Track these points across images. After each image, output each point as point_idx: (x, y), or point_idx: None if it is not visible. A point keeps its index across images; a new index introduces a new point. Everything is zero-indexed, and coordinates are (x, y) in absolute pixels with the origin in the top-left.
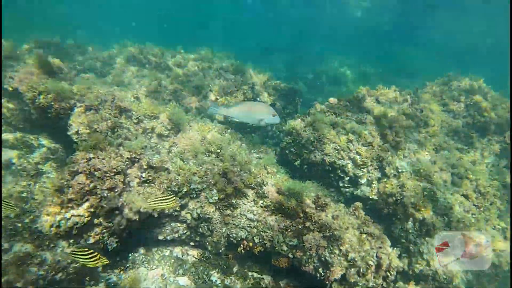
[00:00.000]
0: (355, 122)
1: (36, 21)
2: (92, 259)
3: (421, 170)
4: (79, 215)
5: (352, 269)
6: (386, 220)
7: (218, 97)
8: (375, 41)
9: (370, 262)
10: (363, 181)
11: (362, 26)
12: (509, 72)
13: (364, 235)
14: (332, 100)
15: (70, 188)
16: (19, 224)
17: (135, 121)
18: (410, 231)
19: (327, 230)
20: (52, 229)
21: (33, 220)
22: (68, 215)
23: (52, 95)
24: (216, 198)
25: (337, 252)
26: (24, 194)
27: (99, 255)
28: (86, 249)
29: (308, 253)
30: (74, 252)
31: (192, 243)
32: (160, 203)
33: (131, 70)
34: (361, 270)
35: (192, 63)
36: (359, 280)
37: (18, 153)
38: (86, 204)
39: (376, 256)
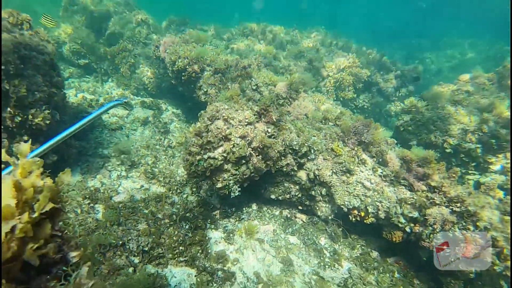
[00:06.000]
0: (496, 100)
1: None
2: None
3: None
4: (214, 158)
5: (490, 249)
6: None
7: (329, 73)
8: None
9: None
10: (495, 168)
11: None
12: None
13: (507, 217)
14: (463, 76)
15: (209, 132)
16: (156, 169)
17: (254, 87)
18: None
19: (458, 205)
20: (192, 167)
21: (165, 167)
22: (205, 156)
23: (188, 59)
24: (343, 151)
25: (471, 228)
26: (157, 146)
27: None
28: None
29: (430, 228)
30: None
31: (300, 207)
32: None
33: (248, 44)
34: (504, 252)
35: (307, 41)
36: (498, 264)
37: (153, 112)
38: (221, 149)
39: None
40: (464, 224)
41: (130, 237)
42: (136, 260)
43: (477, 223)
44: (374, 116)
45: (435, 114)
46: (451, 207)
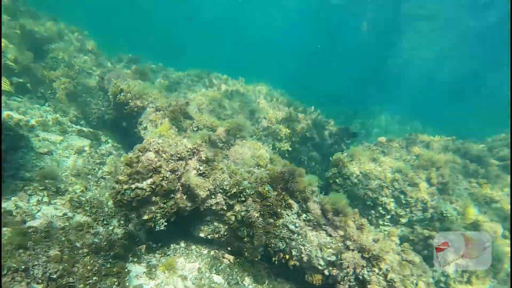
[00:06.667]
0: (403, 163)
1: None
2: None
3: (469, 218)
4: (142, 188)
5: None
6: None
7: (269, 124)
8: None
9: (409, 287)
10: (404, 220)
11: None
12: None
13: (405, 261)
14: (381, 138)
15: (140, 163)
16: (83, 199)
17: (195, 128)
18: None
19: (367, 252)
20: (118, 196)
21: (93, 197)
22: (133, 186)
23: (132, 94)
24: (271, 194)
25: (376, 270)
26: (89, 176)
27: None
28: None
29: (345, 271)
30: None
31: (229, 248)
32: None
33: (195, 90)
34: None
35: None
36: None
37: (91, 142)
38: (150, 180)
39: (416, 284)
40: (371, 266)
41: (36, 263)
42: None
43: (380, 265)
44: (310, 169)
45: (357, 168)
46: (361, 252)
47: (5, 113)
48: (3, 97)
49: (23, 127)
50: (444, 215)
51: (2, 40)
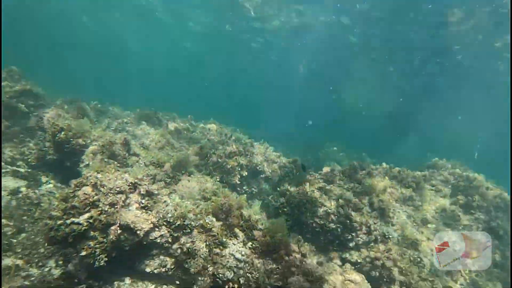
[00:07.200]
0: (346, 190)
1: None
2: None
3: (409, 238)
4: (78, 223)
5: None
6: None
7: (219, 159)
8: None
9: None
10: (351, 244)
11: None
12: None
13: (347, 281)
14: (325, 169)
15: (76, 197)
16: (14, 241)
17: (141, 165)
18: None
19: (311, 275)
20: (51, 232)
21: (28, 238)
22: (68, 221)
23: (72, 132)
24: (213, 224)
25: None
26: (25, 217)
27: None
28: None
29: None
30: None
31: (178, 282)
32: None
33: (143, 128)
34: None
35: (199, 129)
36: None
37: (27, 183)
38: (87, 214)
39: None
40: None
41: None
42: None
43: (323, 285)
44: (262, 200)
45: (304, 197)
46: (305, 276)
47: None
48: None
49: None
50: (386, 237)
51: None
